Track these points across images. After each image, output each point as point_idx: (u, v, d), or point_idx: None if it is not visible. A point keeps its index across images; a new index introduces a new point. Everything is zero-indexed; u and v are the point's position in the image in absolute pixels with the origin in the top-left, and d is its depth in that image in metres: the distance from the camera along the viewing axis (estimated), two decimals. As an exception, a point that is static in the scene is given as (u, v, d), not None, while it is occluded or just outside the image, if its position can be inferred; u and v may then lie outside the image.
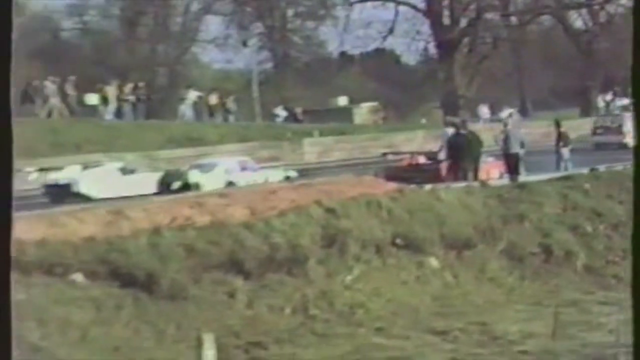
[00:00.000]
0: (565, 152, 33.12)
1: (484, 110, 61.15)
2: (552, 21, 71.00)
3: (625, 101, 71.43)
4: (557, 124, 34.94)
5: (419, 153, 33.84)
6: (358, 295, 18.13)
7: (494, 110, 60.75)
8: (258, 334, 16.16)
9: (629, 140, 42.18)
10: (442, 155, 30.15)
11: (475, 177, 27.88)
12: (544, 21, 70.64)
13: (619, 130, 47.03)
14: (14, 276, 17.06)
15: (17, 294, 16.18)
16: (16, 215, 19.66)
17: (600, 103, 70.10)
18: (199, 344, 9.90)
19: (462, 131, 30.64)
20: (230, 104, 56.13)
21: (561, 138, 33.75)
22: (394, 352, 15.28)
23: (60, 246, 17.49)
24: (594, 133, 50.19)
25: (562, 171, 29.77)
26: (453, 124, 32.73)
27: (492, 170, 29.91)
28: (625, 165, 27.08)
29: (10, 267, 2.89)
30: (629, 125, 44.41)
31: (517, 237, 21.54)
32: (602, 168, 27.33)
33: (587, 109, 66.82)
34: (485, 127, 40.92)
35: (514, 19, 67.18)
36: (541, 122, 51.35)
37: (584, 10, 70.59)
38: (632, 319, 3.08)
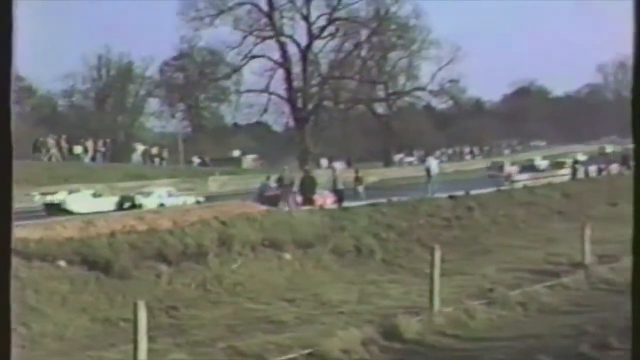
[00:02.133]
0: (360, 188, 33.38)
1: (324, 162, 61.61)
2: (365, 108, 72.21)
3: (411, 159, 72.95)
4: (356, 171, 35.38)
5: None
6: (239, 277, 18.06)
7: (330, 161, 61.13)
8: (174, 301, 16.00)
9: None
10: (295, 189, 30.16)
11: (312, 203, 27.96)
12: (360, 108, 71.77)
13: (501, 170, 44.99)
14: (20, 261, 16.52)
15: (21, 273, 15.73)
16: (23, 223, 18.96)
17: (396, 159, 72.05)
18: (135, 307, 9.76)
19: (309, 174, 30.82)
20: (164, 154, 55.73)
21: (357, 180, 34.03)
22: (260, 313, 15.26)
23: (51, 243, 17.15)
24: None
25: (359, 201, 29.55)
26: (305, 170, 32.89)
27: (327, 199, 30.11)
28: (408, 198, 27.55)
29: (10, 269, 2.59)
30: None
31: (340, 241, 21.70)
32: (395, 199, 27.62)
33: (387, 163, 68.86)
34: (324, 173, 41.06)
35: (342, 106, 68.33)
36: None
37: (384, 103, 72.45)
38: (632, 320, 2.54)
